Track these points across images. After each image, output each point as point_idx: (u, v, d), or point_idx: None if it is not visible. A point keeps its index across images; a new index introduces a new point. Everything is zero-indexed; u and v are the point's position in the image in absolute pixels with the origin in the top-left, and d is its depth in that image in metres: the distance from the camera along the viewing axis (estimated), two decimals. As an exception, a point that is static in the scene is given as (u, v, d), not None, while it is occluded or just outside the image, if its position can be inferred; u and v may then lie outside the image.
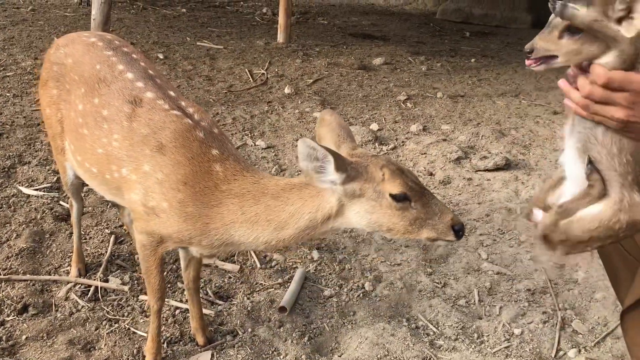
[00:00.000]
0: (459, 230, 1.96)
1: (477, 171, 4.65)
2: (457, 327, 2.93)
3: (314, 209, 2.03)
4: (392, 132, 5.39)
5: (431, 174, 4.58)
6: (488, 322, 2.99)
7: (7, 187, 3.88)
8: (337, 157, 1.92)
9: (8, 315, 2.76)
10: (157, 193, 2.16)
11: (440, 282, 3.28)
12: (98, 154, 2.32)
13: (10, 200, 3.71)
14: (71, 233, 3.42)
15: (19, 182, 3.94)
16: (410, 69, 7.69)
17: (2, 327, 2.68)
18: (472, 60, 8.47)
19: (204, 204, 2.13)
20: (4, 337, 2.61)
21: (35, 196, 3.77)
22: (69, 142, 2.51)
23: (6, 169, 4.09)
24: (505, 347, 2.81)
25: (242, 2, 11.41)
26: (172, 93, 2.35)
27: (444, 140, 5.19)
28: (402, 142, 5.16)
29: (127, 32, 8.25)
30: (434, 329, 2.91)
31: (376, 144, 5.05)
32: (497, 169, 4.65)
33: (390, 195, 1.93)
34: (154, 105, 2.25)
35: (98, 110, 2.31)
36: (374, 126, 5.41)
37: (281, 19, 8.20)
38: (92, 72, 2.39)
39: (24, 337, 2.64)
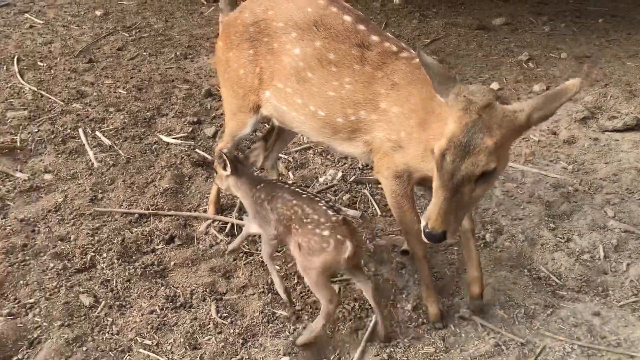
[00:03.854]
0: None
1: (604, 131, 4.47)
2: (580, 279, 2.92)
3: None
4: (513, 91, 5.29)
5: (554, 133, 4.47)
6: (614, 277, 2.95)
7: (149, 135, 4.26)
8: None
9: (157, 245, 3.09)
10: (395, 124, 2.35)
11: (564, 237, 3.25)
12: (328, 97, 2.46)
13: (153, 147, 4.08)
14: (207, 177, 3.73)
15: (159, 132, 4.31)
16: (532, 30, 7.40)
17: (153, 253, 3.02)
18: (600, 20, 7.98)
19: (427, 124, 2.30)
20: (155, 262, 2.94)
21: (174, 144, 4.12)
22: (283, 87, 2.60)
23: (147, 120, 4.48)
24: (633, 302, 2.77)
25: (357, -35, 11.40)
26: (389, 35, 2.49)
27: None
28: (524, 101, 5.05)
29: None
30: (557, 280, 2.92)
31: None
32: (627, 129, 4.45)
33: None
34: (383, 49, 2.39)
35: (323, 54, 2.45)
36: (495, 85, 5.33)
37: (398, -21, 8.15)
38: (302, 15, 2.52)
39: (172, 263, 2.96)
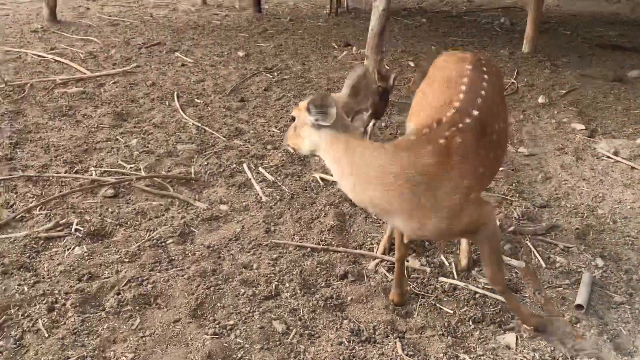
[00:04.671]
0: None
1: None
2: None
3: None
4: (662, 148, 5.17)
5: None
6: None
7: (305, 173, 4.53)
8: None
9: (332, 279, 3.28)
10: None
11: None
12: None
13: (312, 185, 4.33)
14: (366, 216, 3.92)
15: (315, 170, 4.57)
16: (672, 83, 7.21)
17: (329, 287, 3.20)
18: None
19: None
20: (334, 296, 3.12)
21: (331, 183, 4.35)
22: None
23: (302, 159, 4.76)
24: None
25: (479, 12, 11.54)
26: (475, 113, 2.61)
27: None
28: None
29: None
30: None
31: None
32: None
33: None
34: (447, 113, 2.59)
35: (426, 97, 2.85)
36: (641, 141, 5.24)
37: (529, 29, 8.20)
38: (446, 74, 2.88)
39: (349, 298, 3.13)
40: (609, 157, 4.95)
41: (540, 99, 6.27)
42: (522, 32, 9.14)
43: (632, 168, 4.79)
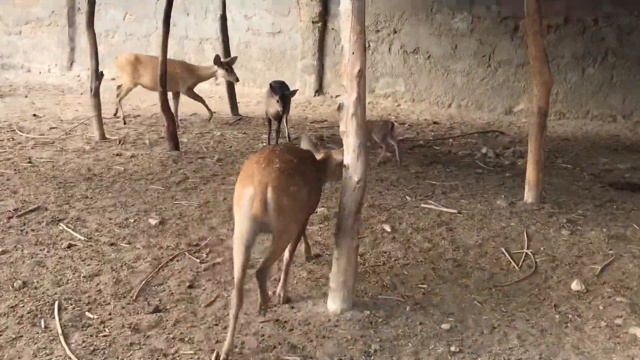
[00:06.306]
0: None
1: None
2: None
3: None
4: None
5: None
6: None
7: None
8: None
9: None
10: None
11: None
12: None
13: None
14: None
15: None
16: None
17: None
18: None
19: None
20: None
21: None
22: None
23: None
24: None
25: (451, 140, 11.07)
26: None
27: None
28: None
29: (327, 196, 8.00)
30: None
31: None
32: None
33: None
34: None
35: None
36: None
37: (531, 173, 7.52)
38: None
39: None
40: None
41: (574, 285, 5.40)
42: (514, 167, 8.59)
43: None
